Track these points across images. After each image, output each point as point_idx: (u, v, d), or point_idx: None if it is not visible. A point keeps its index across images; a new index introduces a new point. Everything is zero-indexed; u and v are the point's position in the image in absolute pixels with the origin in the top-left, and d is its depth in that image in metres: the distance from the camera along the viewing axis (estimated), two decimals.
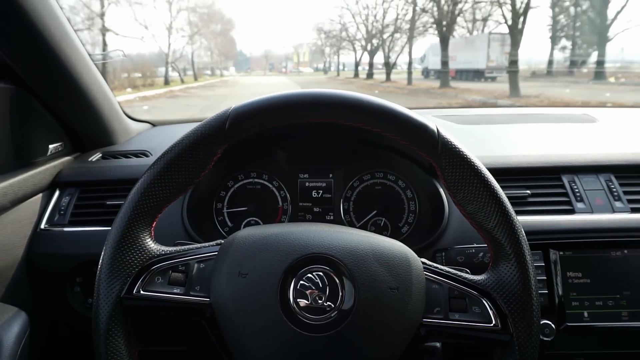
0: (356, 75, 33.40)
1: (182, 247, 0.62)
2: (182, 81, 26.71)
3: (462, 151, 0.59)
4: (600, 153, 1.00)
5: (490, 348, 0.59)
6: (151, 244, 0.60)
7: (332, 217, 1.04)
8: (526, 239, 0.59)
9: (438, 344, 0.79)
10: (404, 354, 0.56)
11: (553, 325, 0.81)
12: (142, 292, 0.58)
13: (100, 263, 0.58)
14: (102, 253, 0.58)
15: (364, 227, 1.02)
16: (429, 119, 0.60)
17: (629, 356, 0.85)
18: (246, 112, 0.61)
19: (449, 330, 0.57)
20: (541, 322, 0.81)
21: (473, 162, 0.59)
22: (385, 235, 0.64)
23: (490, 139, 1.18)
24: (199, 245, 0.62)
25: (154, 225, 0.62)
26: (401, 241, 0.62)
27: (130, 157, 1.11)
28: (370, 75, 29.52)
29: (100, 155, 1.13)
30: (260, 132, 1.00)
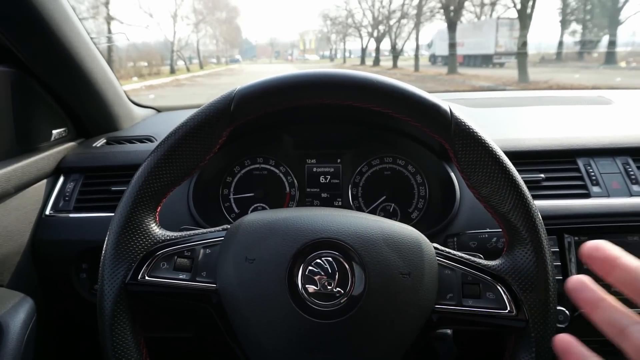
0: (363, 62, 33.14)
1: (188, 232, 0.60)
2: (188, 70, 26.68)
3: (476, 132, 0.57)
4: (616, 135, 0.97)
5: (505, 335, 0.58)
6: (156, 229, 0.59)
7: (340, 203, 1.03)
8: (542, 224, 0.57)
9: (449, 331, 0.77)
10: (415, 340, 0.55)
11: (567, 312, 0.79)
12: (147, 277, 0.56)
13: (104, 248, 0.57)
14: (106, 238, 0.57)
15: (372, 213, 1.00)
16: (442, 100, 0.58)
17: None
18: (251, 93, 0.59)
19: (462, 316, 0.55)
20: None
21: (488, 143, 0.57)
22: (402, 223, 0.62)
23: (501, 121, 1.15)
24: (204, 230, 0.61)
25: (158, 210, 0.61)
26: (411, 227, 0.60)
27: (134, 143, 1.10)
28: (377, 61, 29.29)
29: (105, 140, 1.12)
30: (266, 117, 0.98)
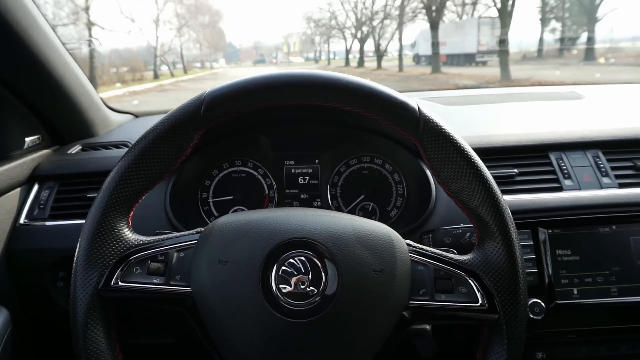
0: (347, 63, 33.21)
1: (161, 237, 0.60)
2: (172, 74, 26.44)
3: (444, 129, 0.58)
4: (587, 129, 0.99)
5: (478, 328, 0.59)
6: (129, 234, 0.59)
7: (319, 204, 1.03)
8: (512, 217, 0.58)
9: (427, 326, 0.78)
10: (390, 336, 0.55)
11: (543, 304, 0.80)
12: (120, 283, 0.56)
13: (76, 255, 0.57)
14: (78, 245, 0.57)
15: (352, 213, 1.01)
16: (410, 97, 0.59)
17: (619, 331, 0.85)
18: (221, 95, 0.59)
19: (435, 311, 0.56)
20: (531, 301, 0.80)
21: (456, 139, 0.58)
22: (374, 220, 0.63)
23: (477, 119, 1.17)
24: (178, 234, 0.61)
25: (131, 214, 0.60)
26: (390, 225, 0.61)
27: (110, 149, 1.09)
28: (361, 63, 29.37)
29: (80, 147, 1.10)
30: (242, 119, 0.99)
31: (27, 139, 1.01)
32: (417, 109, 0.58)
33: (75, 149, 1.09)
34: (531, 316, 0.80)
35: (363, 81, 0.59)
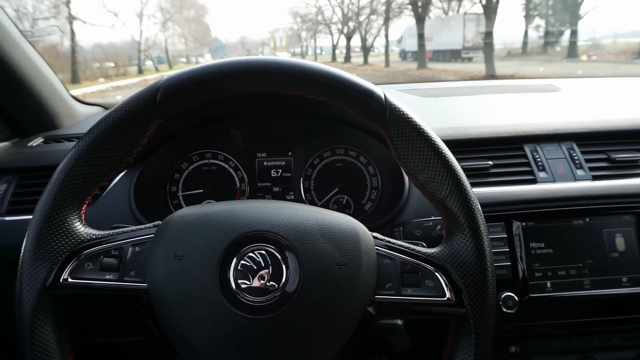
0: (334, 59, 33.17)
1: (116, 231, 0.57)
2: (157, 69, 26.11)
3: (411, 118, 0.56)
4: (562, 122, 0.98)
5: (446, 323, 0.57)
6: (80, 228, 0.56)
7: (292, 197, 1.01)
8: (480, 209, 0.56)
9: (400, 322, 0.77)
10: (355, 332, 0.53)
11: (516, 298, 0.79)
12: (70, 279, 0.53)
13: (22, 250, 0.53)
14: (25, 239, 0.53)
15: (325, 206, 0.99)
16: (376, 86, 0.57)
17: (593, 324, 0.85)
18: (178, 83, 0.56)
19: (401, 306, 0.54)
20: (504, 295, 0.79)
21: (423, 129, 0.56)
22: (348, 214, 0.61)
23: (453, 111, 1.15)
24: (134, 227, 0.58)
25: (84, 207, 0.57)
26: (364, 218, 0.59)
27: (73, 141, 1.05)
28: (347, 58, 29.39)
29: (42, 139, 1.06)
30: (212, 110, 0.96)
31: None
32: (383, 97, 0.56)
33: (37, 141, 1.05)
34: (504, 310, 0.79)
35: (328, 68, 0.56)
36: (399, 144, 0.56)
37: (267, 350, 0.50)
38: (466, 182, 0.56)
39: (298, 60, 0.57)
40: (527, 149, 0.94)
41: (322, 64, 0.57)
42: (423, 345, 0.85)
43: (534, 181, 0.90)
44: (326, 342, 0.52)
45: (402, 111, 0.56)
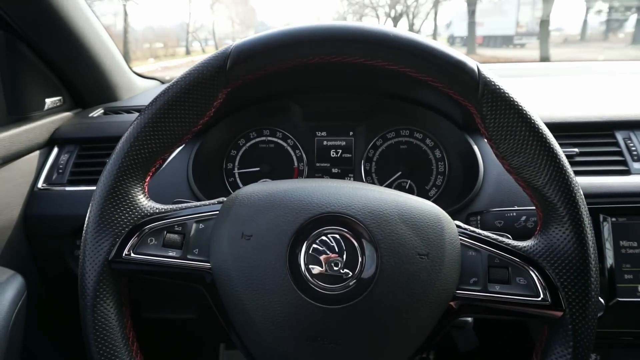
0: None
1: (179, 205, 0.54)
2: (204, 51, 26.54)
3: (507, 93, 0.49)
4: None
5: (536, 326, 0.51)
6: (144, 201, 0.53)
7: (352, 179, 0.96)
8: (584, 199, 0.49)
9: (470, 319, 0.71)
10: (434, 330, 0.48)
11: (602, 301, 0.72)
12: (132, 254, 0.51)
13: (86, 222, 0.51)
14: (89, 211, 0.51)
15: None
16: (468, 57, 0.50)
17: None
18: (250, 48, 0.51)
19: (487, 304, 0.49)
20: None
21: (521, 106, 0.49)
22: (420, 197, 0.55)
23: (531, 91, 1.05)
24: (198, 203, 0.55)
25: (147, 180, 0.55)
26: None
27: (132, 113, 1.04)
28: None
29: (102, 111, 1.06)
30: (273, 84, 0.91)
31: (48, 100, 0.97)
32: (476, 69, 0.49)
33: (97, 112, 1.05)
34: None
35: (414, 35, 0.50)
36: (492, 123, 0.50)
37: (338, 343, 0.46)
38: (569, 168, 0.50)
39: (382, 26, 0.51)
40: (619, 136, 0.84)
41: (407, 31, 0.51)
42: (491, 348, 0.79)
43: (627, 172, 0.80)
44: (404, 338, 0.47)
45: (498, 85, 0.49)
